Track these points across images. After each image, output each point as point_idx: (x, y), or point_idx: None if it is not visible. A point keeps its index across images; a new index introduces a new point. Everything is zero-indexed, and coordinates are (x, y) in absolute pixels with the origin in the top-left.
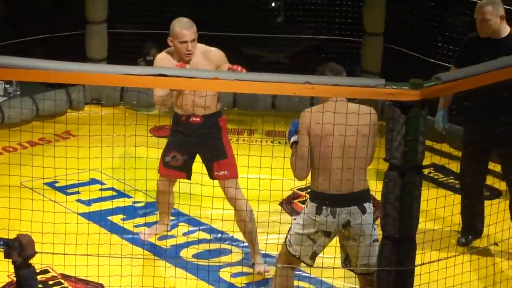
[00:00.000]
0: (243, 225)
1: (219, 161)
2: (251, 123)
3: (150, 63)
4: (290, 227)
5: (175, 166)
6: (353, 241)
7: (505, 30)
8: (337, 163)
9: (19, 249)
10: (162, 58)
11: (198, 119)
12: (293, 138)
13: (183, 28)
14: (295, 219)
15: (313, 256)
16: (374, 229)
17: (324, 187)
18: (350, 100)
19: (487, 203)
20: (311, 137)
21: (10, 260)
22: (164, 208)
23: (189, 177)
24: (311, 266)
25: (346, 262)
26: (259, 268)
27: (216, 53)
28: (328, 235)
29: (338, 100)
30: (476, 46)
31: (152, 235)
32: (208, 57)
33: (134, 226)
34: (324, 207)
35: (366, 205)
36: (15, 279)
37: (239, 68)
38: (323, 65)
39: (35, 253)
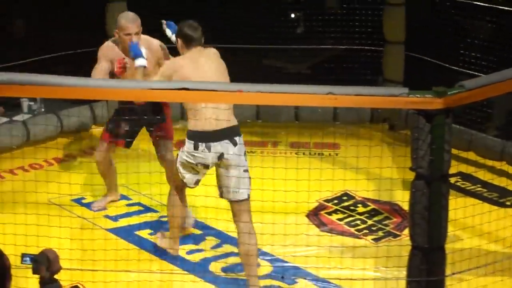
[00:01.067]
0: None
1: (158, 124)
2: (275, 135)
3: None
4: (178, 154)
5: (117, 134)
6: (226, 171)
7: None
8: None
9: (47, 264)
10: (107, 47)
11: (141, 102)
12: (140, 62)
13: (128, 21)
14: (182, 151)
15: (196, 182)
16: (245, 160)
17: (197, 126)
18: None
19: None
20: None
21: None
22: (107, 178)
23: (128, 146)
24: (192, 188)
25: (220, 191)
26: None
27: (157, 46)
28: (207, 167)
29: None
30: None
31: (101, 206)
32: (150, 48)
33: None
34: (200, 143)
35: (237, 138)
36: None
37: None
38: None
39: (60, 268)
